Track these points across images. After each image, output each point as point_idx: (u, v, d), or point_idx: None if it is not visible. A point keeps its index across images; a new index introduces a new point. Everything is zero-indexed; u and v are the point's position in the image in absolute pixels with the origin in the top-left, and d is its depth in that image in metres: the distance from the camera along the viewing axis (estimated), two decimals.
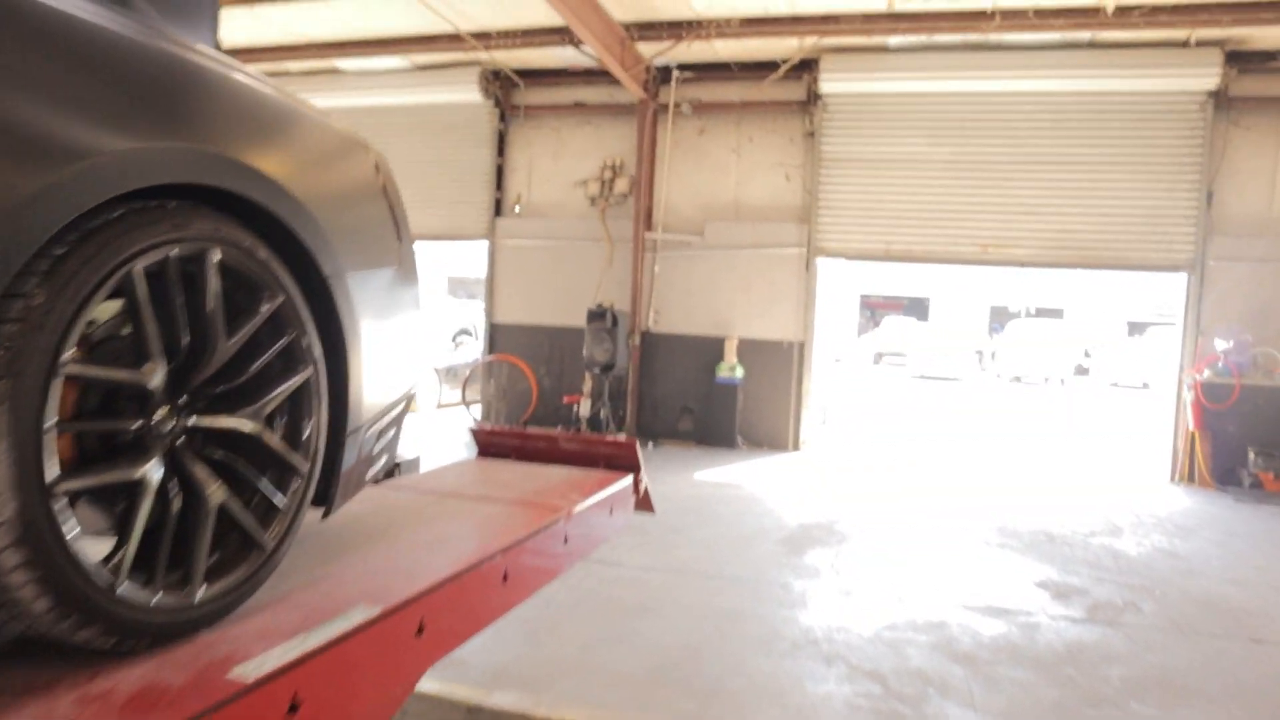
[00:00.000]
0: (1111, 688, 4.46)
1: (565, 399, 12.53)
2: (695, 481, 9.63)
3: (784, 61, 11.24)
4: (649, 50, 10.89)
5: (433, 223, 13.22)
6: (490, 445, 3.72)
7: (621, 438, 3.69)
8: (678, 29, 10.47)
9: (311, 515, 2.13)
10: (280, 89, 2.03)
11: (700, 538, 7.17)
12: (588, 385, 12.32)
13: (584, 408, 12.37)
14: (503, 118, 12.77)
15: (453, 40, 11.02)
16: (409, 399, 2.53)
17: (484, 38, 10.90)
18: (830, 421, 13.23)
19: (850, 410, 15.96)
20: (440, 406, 15.05)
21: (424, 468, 4.93)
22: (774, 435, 11.81)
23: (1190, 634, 5.28)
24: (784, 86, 11.58)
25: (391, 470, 3.70)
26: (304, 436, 1.95)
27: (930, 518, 8.21)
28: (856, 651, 4.82)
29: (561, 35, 10.52)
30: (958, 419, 17.41)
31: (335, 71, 12.82)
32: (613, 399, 12.31)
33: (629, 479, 3.42)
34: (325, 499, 2.13)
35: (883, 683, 4.42)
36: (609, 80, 11.59)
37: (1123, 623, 5.44)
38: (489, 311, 13.36)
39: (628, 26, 10.53)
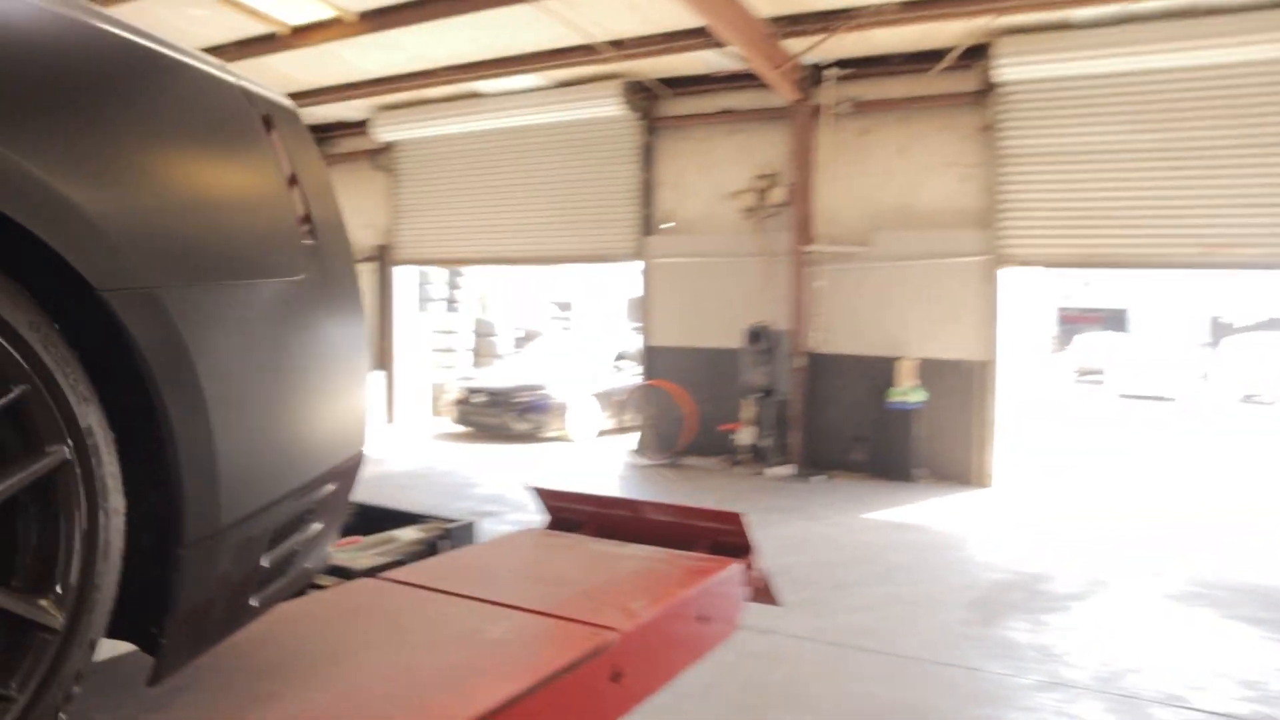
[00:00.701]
0: None
1: (724, 427, 11.58)
2: (866, 523, 8.43)
3: (951, 49, 9.91)
4: (797, 46, 9.84)
5: (577, 244, 12.72)
6: (560, 512, 2.83)
7: (728, 508, 2.69)
8: (827, 20, 9.38)
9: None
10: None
11: (870, 597, 6.02)
12: (747, 412, 11.33)
13: (744, 436, 11.39)
14: (649, 131, 12.04)
15: (587, 51, 10.38)
16: (350, 472, 1.67)
17: (619, 45, 10.20)
18: (1023, 451, 11.61)
19: (1047, 438, 14.09)
20: (601, 434, 14.42)
21: (500, 531, 4.12)
22: (957, 467, 10.38)
23: None
24: (953, 78, 10.23)
25: (433, 546, 2.87)
26: (59, 568, 1.12)
27: (1160, 574, 6.67)
28: None
29: (701, 37, 9.65)
30: (1176, 445, 15.14)
31: (476, 95, 12.50)
32: (776, 426, 11.25)
33: (736, 568, 2.44)
34: (153, 646, 1.30)
35: None
36: (757, 84, 10.64)
37: None
38: (645, 334, 12.65)
39: (772, 21, 9.54)
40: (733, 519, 2.53)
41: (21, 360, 1.07)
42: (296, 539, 1.51)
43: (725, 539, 2.55)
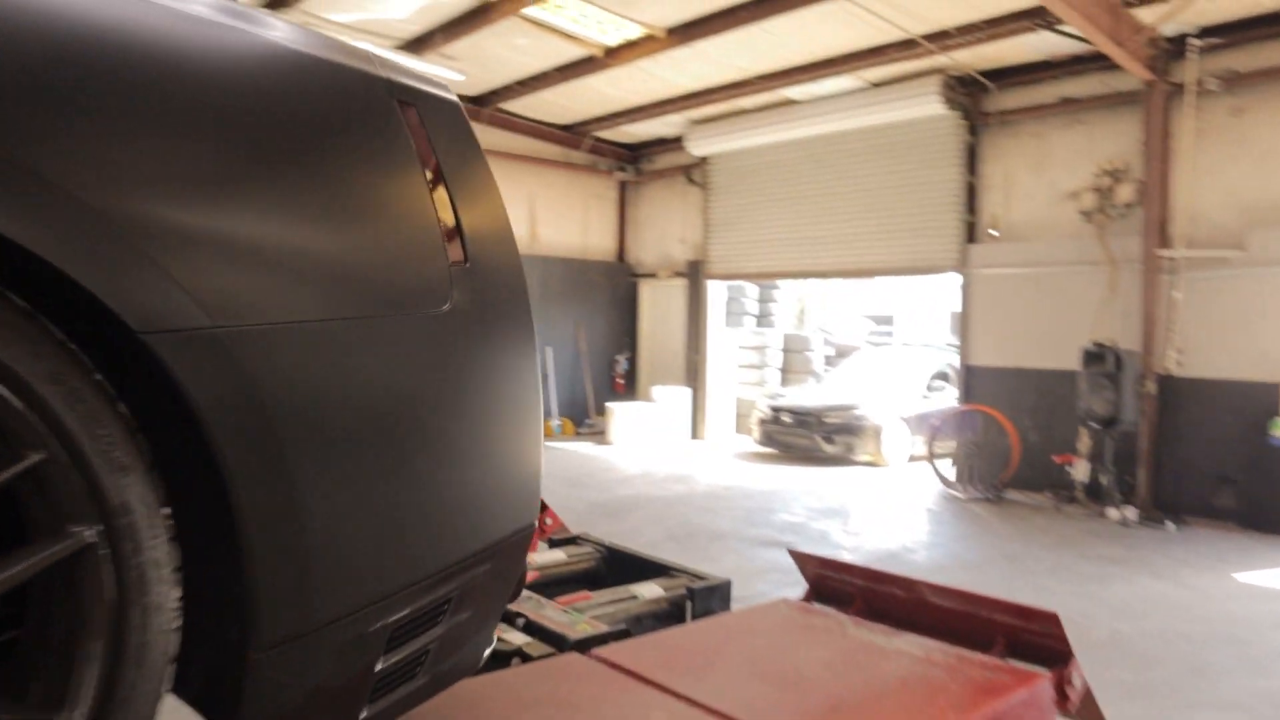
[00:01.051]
0: None
1: (1055, 459, 10.30)
2: (1236, 587, 7.00)
3: None
4: (1151, 15, 8.48)
5: (894, 255, 12.01)
6: (822, 582, 2.37)
7: (1037, 606, 2.08)
8: None
9: None
10: None
11: (1241, 690, 4.88)
12: (1083, 443, 9.98)
13: (1079, 471, 10.06)
14: (972, 130, 11.06)
15: (904, 47, 9.69)
16: (512, 549, 1.34)
17: (939, 38, 9.40)
18: None
19: None
20: (913, 460, 13.49)
21: (774, 592, 3.67)
22: None
23: None
24: None
25: (678, 607, 2.52)
26: (73, 677, 0.89)
27: None
28: None
29: (1033, 18, 8.63)
30: None
31: (788, 102, 12.18)
32: (1118, 461, 9.81)
33: (1043, 685, 1.85)
34: None
35: None
36: (1100, 65, 9.36)
37: None
38: (964, 352, 11.64)
39: None
40: (1047, 619, 1.93)
41: (37, 421, 0.85)
42: (432, 634, 1.21)
43: (1028, 639, 1.96)
